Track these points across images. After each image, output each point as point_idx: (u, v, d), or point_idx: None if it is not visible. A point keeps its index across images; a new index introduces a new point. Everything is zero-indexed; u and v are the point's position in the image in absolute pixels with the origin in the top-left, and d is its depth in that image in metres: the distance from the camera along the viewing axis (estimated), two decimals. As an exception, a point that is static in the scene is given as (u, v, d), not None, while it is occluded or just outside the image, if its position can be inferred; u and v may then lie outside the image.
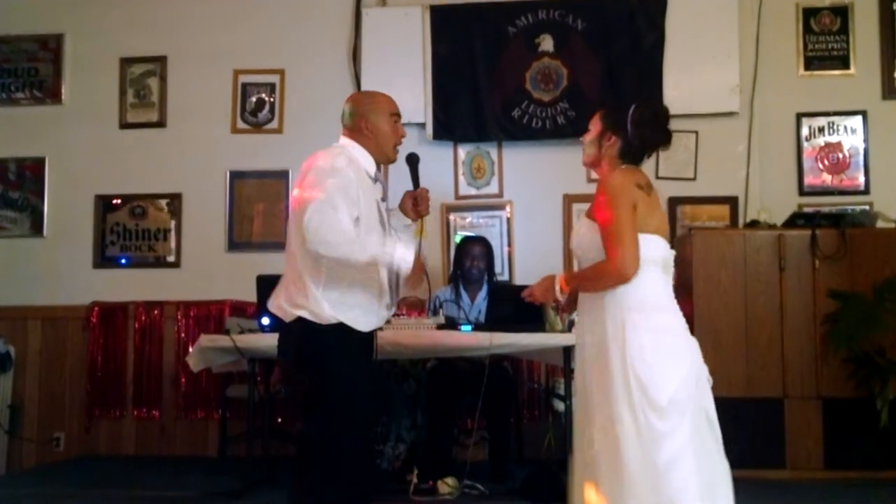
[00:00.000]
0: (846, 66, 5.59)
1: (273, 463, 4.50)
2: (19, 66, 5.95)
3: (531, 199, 5.60)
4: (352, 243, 2.65)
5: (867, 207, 5.33)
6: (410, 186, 3.07)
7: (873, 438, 4.48)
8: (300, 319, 2.77)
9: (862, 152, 5.53)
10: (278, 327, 2.95)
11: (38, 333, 5.74)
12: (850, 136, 5.54)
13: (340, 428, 2.74)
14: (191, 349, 4.46)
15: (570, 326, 4.13)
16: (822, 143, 5.56)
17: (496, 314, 4.31)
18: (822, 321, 4.69)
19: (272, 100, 5.81)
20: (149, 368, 5.65)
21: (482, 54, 5.62)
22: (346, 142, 2.92)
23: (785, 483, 4.52)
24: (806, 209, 5.24)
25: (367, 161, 2.89)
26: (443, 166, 5.61)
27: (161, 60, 5.87)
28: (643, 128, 2.63)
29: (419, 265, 2.79)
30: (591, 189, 2.87)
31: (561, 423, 4.47)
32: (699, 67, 5.45)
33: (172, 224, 5.80)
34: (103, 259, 5.82)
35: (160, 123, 5.86)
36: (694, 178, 5.50)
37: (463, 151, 5.68)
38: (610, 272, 2.50)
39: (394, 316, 4.17)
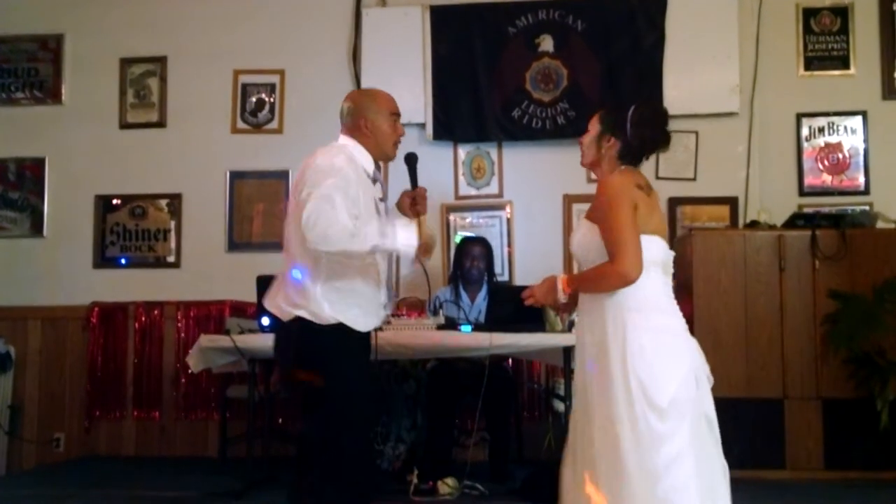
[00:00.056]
0: (846, 66, 5.59)
1: (273, 463, 4.50)
2: (19, 65, 5.95)
3: (531, 199, 5.60)
4: (352, 237, 2.63)
5: (867, 208, 5.33)
6: (410, 186, 3.07)
7: (873, 439, 4.48)
8: (299, 319, 2.77)
9: (862, 153, 5.53)
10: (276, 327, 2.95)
11: (38, 334, 5.74)
12: (850, 136, 5.55)
13: (340, 428, 2.74)
14: (191, 350, 4.45)
15: (570, 327, 4.13)
16: (822, 144, 5.56)
17: (496, 314, 4.31)
18: (822, 321, 4.69)
19: (272, 100, 5.81)
20: (149, 369, 5.65)
21: (482, 54, 5.62)
22: (345, 140, 2.92)
23: (785, 483, 4.52)
24: (806, 210, 5.24)
25: (366, 160, 2.89)
26: (443, 166, 5.60)
27: (161, 60, 5.87)
28: (643, 129, 2.63)
29: (425, 235, 2.77)
30: (591, 189, 2.87)
31: (561, 423, 4.46)
32: (699, 67, 5.45)
33: (172, 224, 5.80)
34: (103, 259, 5.82)
35: (160, 123, 5.86)
36: (694, 179, 5.50)
37: (463, 151, 5.68)
38: (614, 274, 2.49)
39: (394, 316, 4.19)
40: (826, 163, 5.55)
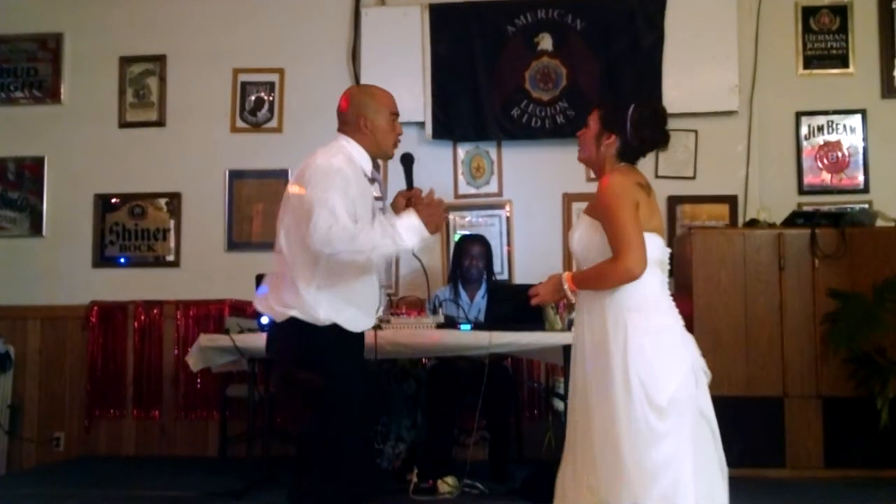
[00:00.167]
0: (845, 65, 5.58)
1: (273, 463, 4.51)
2: (19, 65, 5.94)
3: (530, 198, 5.60)
4: (352, 239, 2.63)
5: (867, 206, 5.32)
6: (406, 187, 3.07)
7: (873, 438, 4.48)
8: (294, 320, 2.77)
9: (861, 151, 5.53)
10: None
11: (37, 333, 5.74)
12: (849, 134, 5.54)
13: (340, 427, 2.74)
14: (190, 349, 4.45)
15: (569, 325, 4.12)
16: (822, 142, 5.56)
17: (495, 313, 4.31)
18: (821, 320, 4.69)
19: (272, 99, 5.80)
20: (148, 368, 5.65)
21: (481, 54, 5.61)
22: (344, 140, 2.92)
23: (785, 482, 4.53)
24: (805, 208, 5.23)
25: (364, 159, 2.90)
26: (442, 166, 5.60)
27: (160, 60, 5.86)
28: (642, 128, 2.64)
29: (436, 204, 2.79)
30: (591, 188, 2.87)
31: (561, 422, 4.43)
32: (698, 67, 5.45)
33: (172, 224, 5.80)
34: (103, 259, 5.82)
35: (159, 123, 5.85)
36: (693, 178, 5.50)
37: (462, 151, 5.68)
38: (618, 271, 2.50)
39: (393, 315, 4.19)
40: (825, 161, 5.55)
